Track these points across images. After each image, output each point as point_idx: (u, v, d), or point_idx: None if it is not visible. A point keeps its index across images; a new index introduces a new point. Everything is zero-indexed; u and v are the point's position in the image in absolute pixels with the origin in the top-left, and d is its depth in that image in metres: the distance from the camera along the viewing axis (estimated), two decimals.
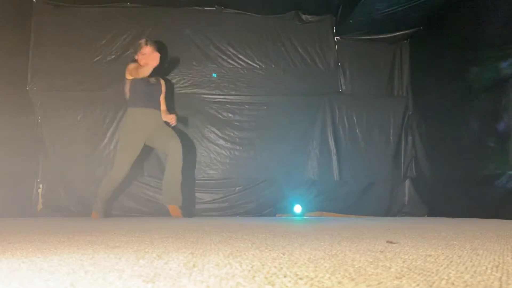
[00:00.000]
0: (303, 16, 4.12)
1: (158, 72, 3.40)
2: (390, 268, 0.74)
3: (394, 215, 4.06)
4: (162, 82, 3.59)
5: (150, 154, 3.95)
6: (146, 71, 3.16)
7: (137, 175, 3.83)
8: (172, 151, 3.32)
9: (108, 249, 1.05)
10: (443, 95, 3.65)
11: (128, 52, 3.99)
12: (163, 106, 3.53)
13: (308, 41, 4.15)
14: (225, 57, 4.07)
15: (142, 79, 3.29)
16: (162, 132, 3.41)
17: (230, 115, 4.04)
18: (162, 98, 3.53)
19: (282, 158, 4.01)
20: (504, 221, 2.62)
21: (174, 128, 3.50)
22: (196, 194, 3.96)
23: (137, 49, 3.37)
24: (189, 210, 3.71)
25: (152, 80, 3.44)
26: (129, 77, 3.34)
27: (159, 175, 3.89)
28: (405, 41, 4.24)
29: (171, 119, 3.43)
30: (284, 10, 4.06)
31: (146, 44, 3.33)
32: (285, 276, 0.66)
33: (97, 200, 3.39)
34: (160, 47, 3.48)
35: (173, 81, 4.03)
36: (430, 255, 0.92)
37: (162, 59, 3.20)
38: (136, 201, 3.89)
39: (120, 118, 3.93)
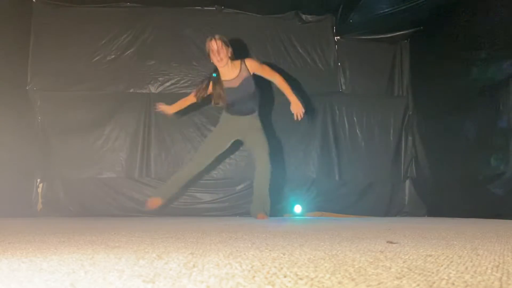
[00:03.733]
0: (303, 16, 4.12)
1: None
2: (390, 268, 0.74)
3: (394, 215, 4.06)
4: (248, 65, 3.18)
5: (150, 155, 3.95)
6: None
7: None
8: (259, 164, 3.27)
9: (108, 249, 1.05)
10: (443, 95, 3.64)
11: (128, 52, 3.99)
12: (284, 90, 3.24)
13: (308, 41, 4.15)
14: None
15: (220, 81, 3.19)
16: (252, 139, 3.33)
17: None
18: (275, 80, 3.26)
19: (282, 158, 4.01)
20: (504, 221, 2.62)
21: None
22: (196, 194, 3.96)
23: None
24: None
25: (232, 77, 3.17)
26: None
27: (160, 176, 3.90)
28: (405, 41, 4.24)
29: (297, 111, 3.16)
30: (284, 10, 4.06)
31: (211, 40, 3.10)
32: (285, 276, 0.66)
33: (164, 185, 3.40)
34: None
35: (173, 81, 4.03)
36: (430, 255, 0.92)
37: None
38: (136, 201, 3.89)
39: (120, 118, 3.93)
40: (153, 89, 4.01)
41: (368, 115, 4.12)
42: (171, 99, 3.99)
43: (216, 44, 3.06)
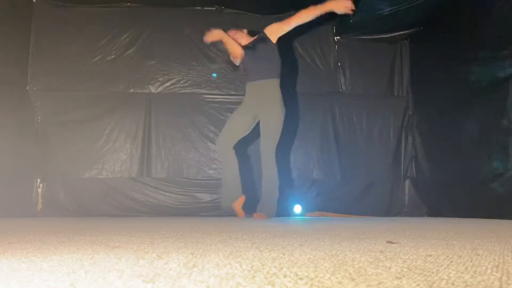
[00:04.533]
0: None
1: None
2: (390, 268, 0.74)
3: (394, 215, 4.06)
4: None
5: (150, 155, 3.95)
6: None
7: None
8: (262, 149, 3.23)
9: (108, 249, 1.05)
10: (443, 95, 3.64)
11: (128, 52, 4.00)
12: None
13: (308, 41, 4.15)
14: (225, 57, 4.07)
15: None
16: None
17: (230, 115, 4.03)
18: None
19: (282, 158, 4.00)
20: (504, 221, 2.62)
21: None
22: (196, 194, 3.96)
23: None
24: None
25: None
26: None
27: (160, 176, 3.90)
28: (405, 41, 4.24)
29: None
30: (284, 10, 4.05)
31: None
32: (285, 276, 0.66)
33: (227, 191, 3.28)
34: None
35: (173, 81, 4.03)
36: (430, 255, 0.92)
37: None
38: (136, 201, 3.89)
39: (120, 118, 3.93)
40: (153, 89, 4.01)
41: (368, 115, 4.12)
42: (171, 99, 4.02)
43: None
